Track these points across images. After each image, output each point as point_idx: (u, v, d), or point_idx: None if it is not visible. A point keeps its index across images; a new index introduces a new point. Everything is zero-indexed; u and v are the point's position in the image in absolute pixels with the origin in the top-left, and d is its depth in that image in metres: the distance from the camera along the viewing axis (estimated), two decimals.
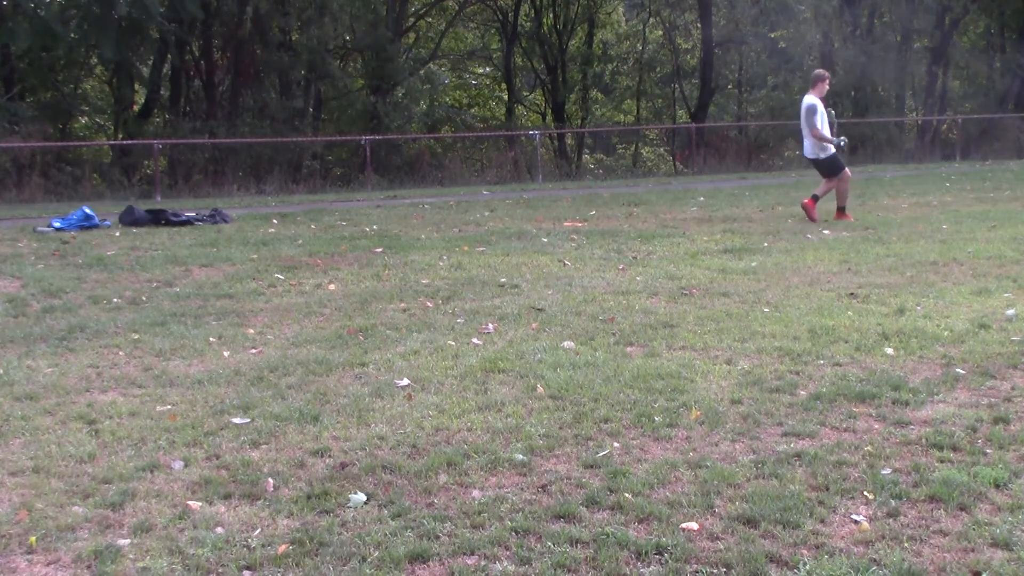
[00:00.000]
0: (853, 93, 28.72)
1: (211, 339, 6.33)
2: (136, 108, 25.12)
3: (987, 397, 4.86)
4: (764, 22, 30.09)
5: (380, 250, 10.00)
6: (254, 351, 6.04)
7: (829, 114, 12.39)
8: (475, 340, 6.15)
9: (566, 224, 11.89)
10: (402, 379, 5.29)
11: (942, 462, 4.01)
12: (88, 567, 3.25)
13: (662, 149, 32.09)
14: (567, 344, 5.96)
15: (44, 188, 18.84)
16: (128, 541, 3.40)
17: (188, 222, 12.71)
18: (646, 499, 3.68)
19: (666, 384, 5.09)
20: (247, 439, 4.41)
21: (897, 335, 6.01)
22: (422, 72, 28.44)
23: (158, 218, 12.70)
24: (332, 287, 8.13)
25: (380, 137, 23.23)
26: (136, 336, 6.42)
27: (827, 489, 3.74)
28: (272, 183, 20.53)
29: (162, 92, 25.62)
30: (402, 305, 7.31)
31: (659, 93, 34.45)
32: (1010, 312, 6.52)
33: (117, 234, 11.67)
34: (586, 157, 31.13)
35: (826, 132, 12.15)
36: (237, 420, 4.67)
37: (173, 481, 3.96)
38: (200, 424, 4.62)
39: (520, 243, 10.33)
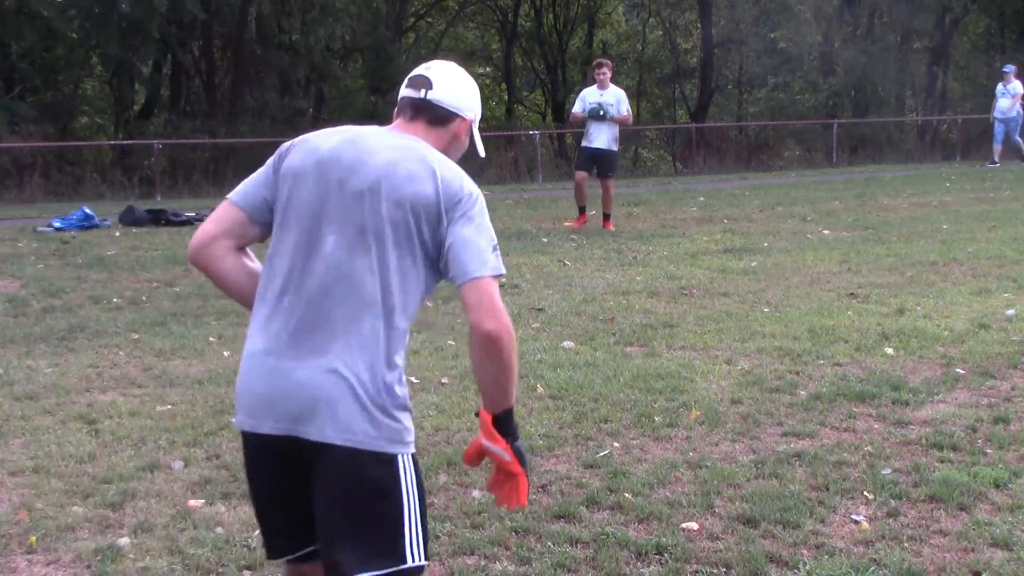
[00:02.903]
0: (853, 93, 28.66)
1: (211, 339, 6.33)
2: (136, 108, 25.11)
3: (987, 397, 4.86)
4: (764, 22, 30.04)
5: None
6: None
7: (592, 107, 11.16)
8: None
9: (566, 224, 11.88)
10: None
11: (942, 462, 4.01)
12: (88, 567, 3.25)
13: (662, 151, 32.04)
14: (567, 344, 5.96)
15: (44, 188, 18.79)
16: (128, 541, 3.40)
17: (188, 222, 12.69)
18: (646, 499, 3.68)
19: (666, 384, 5.09)
20: None
21: (897, 335, 6.01)
22: None
23: (158, 218, 12.69)
24: None
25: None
26: (136, 336, 6.42)
27: (827, 489, 3.74)
28: None
29: (162, 92, 25.61)
30: None
31: (659, 93, 34.42)
32: (1010, 312, 6.52)
33: (117, 234, 11.66)
34: None
35: (591, 124, 11.25)
36: None
37: (173, 481, 3.96)
38: (200, 424, 4.63)
39: (520, 243, 10.33)
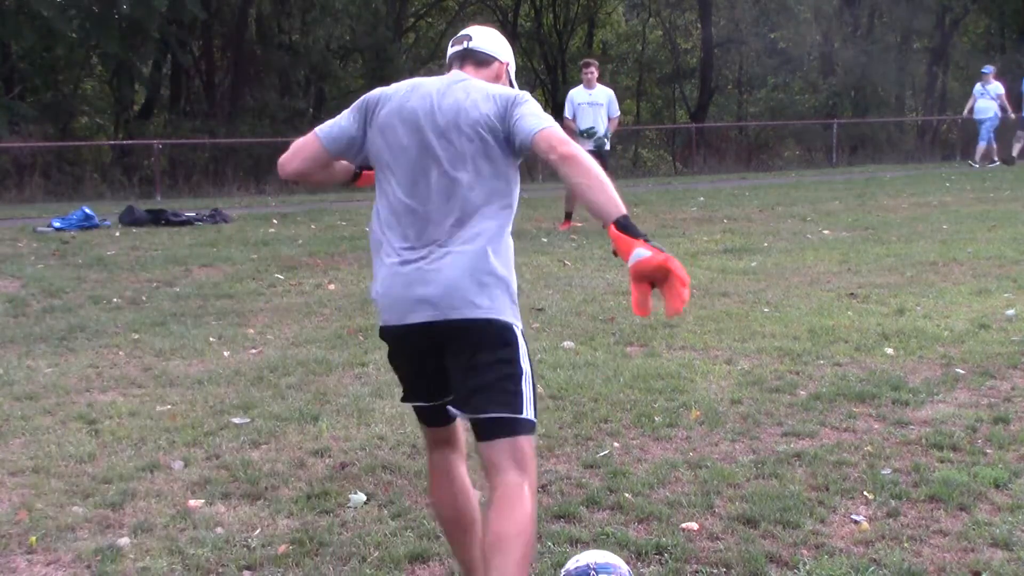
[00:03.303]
0: (853, 93, 28.66)
1: (211, 339, 6.33)
2: (136, 108, 25.11)
3: (987, 397, 4.86)
4: (764, 22, 30.05)
5: None
6: (254, 351, 6.04)
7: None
8: None
9: (565, 225, 11.87)
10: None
11: (942, 462, 4.01)
12: (88, 567, 3.25)
13: (662, 151, 32.01)
14: (567, 344, 5.96)
15: (44, 188, 18.79)
16: (128, 541, 3.41)
17: (188, 222, 12.70)
18: (646, 499, 3.68)
19: (666, 384, 5.09)
20: (247, 439, 4.41)
21: (897, 335, 6.01)
22: (422, 72, 28.45)
23: (158, 218, 12.69)
24: (332, 287, 8.13)
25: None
26: (136, 336, 6.42)
27: (827, 489, 3.74)
28: (272, 183, 20.50)
29: (162, 92, 25.60)
30: None
31: (659, 93, 34.41)
32: (1010, 312, 6.52)
33: (117, 234, 11.67)
34: None
35: (580, 126, 11.32)
36: (237, 420, 4.67)
37: (173, 481, 3.96)
38: (200, 424, 4.63)
39: (520, 243, 10.29)
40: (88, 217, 12.27)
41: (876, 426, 4.47)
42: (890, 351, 5.68)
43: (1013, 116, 19.46)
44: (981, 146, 19.46)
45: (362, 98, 2.83)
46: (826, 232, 10.83)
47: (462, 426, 2.89)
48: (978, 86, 19.39)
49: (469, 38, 2.87)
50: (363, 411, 4.77)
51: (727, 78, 33.15)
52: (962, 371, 5.26)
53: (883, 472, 3.89)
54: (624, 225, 2.48)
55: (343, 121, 2.81)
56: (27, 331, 6.59)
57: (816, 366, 5.43)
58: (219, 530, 3.49)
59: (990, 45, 31.77)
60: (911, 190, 15.23)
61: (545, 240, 10.61)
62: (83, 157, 21.83)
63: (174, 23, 22.39)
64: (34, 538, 3.42)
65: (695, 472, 3.94)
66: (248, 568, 3.23)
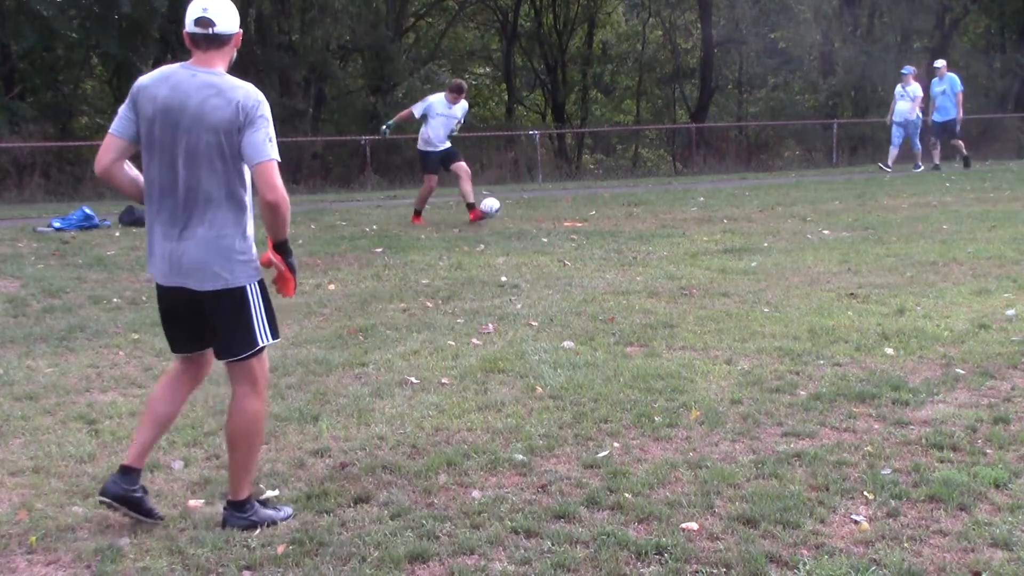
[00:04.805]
0: (853, 93, 28.65)
1: None
2: None
3: (987, 397, 4.86)
4: (764, 22, 30.03)
5: (380, 250, 10.00)
6: None
7: (441, 119, 11.88)
8: (475, 340, 6.15)
9: (566, 224, 11.88)
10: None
11: (942, 462, 4.01)
12: (88, 567, 3.25)
13: (662, 151, 31.98)
14: (567, 344, 5.96)
15: (44, 188, 18.79)
16: (128, 541, 3.41)
17: None
18: (646, 499, 3.68)
19: (666, 384, 5.09)
20: None
21: (897, 335, 6.02)
22: (422, 72, 28.42)
23: None
24: (332, 287, 8.13)
25: (380, 137, 23.12)
26: (136, 336, 6.42)
27: (827, 489, 3.74)
28: None
29: None
30: (402, 305, 7.31)
31: (659, 93, 34.39)
32: (1010, 312, 6.52)
33: (117, 234, 11.66)
34: (586, 157, 31.03)
35: (431, 131, 11.93)
36: None
37: (173, 481, 3.96)
38: (200, 424, 4.63)
39: (520, 243, 10.33)
40: (88, 217, 12.26)
41: (876, 426, 4.47)
42: (890, 351, 5.69)
43: (924, 119, 19.12)
44: (893, 151, 19.05)
45: (132, 87, 3.39)
46: (826, 232, 10.83)
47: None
48: (898, 88, 19.11)
49: (213, 24, 3.35)
50: (363, 411, 4.77)
51: (727, 78, 33.14)
52: (962, 371, 5.26)
53: (883, 472, 3.89)
54: (280, 247, 3.42)
55: (122, 111, 3.40)
56: (27, 331, 6.59)
57: (816, 366, 5.43)
58: (219, 530, 3.49)
59: (990, 45, 31.75)
60: (911, 190, 15.22)
61: (545, 240, 10.61)
62: (83, 157, 21.79)
63: (175, 22, 22.38)
64: (34, 538, 3.43)
65: (695, 472, 3.94)
66: (248, 568, 3.23)
